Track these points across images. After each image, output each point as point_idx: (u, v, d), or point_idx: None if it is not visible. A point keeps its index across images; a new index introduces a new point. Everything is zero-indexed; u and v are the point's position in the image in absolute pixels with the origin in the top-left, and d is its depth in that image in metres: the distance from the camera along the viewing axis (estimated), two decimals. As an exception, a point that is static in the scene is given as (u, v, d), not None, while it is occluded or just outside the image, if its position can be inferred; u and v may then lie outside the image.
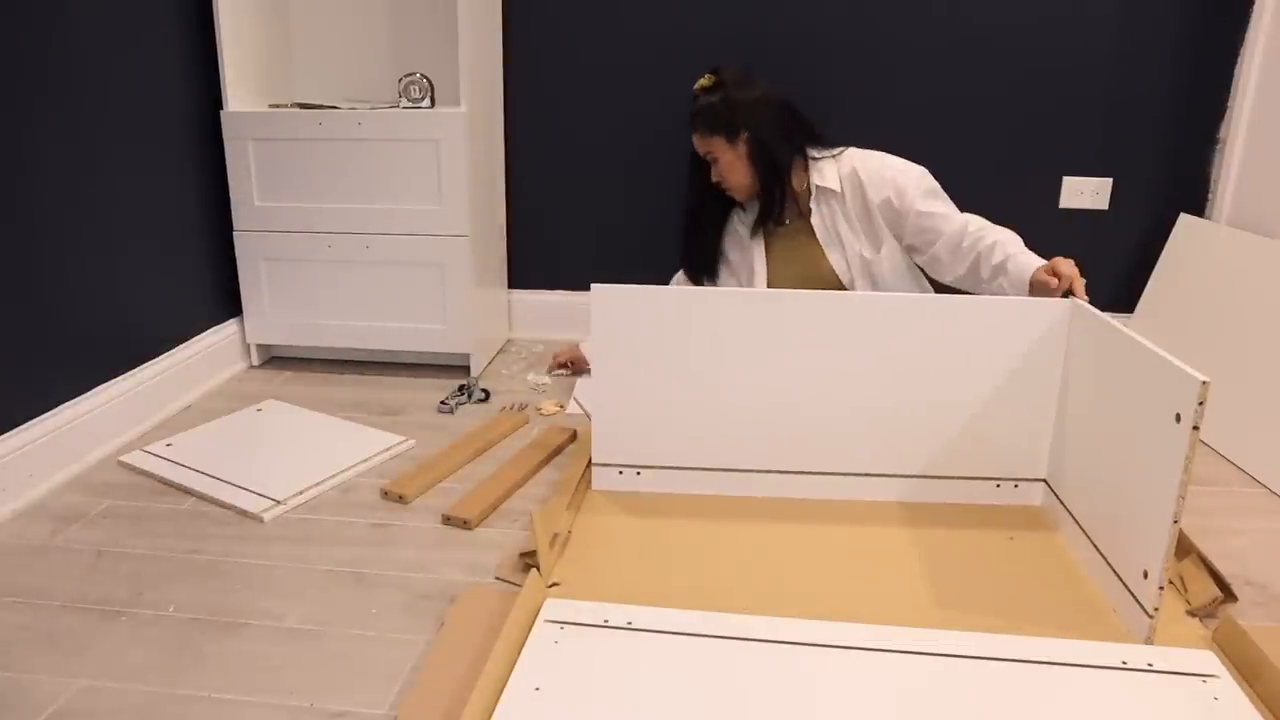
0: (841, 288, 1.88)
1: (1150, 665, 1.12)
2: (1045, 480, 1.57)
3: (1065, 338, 1.48)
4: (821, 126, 1.92)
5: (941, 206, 1.79)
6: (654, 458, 1.60)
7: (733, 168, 1.87)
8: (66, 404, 1.69)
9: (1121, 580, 1.26)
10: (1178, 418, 1.12)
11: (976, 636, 1.18)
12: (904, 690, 1.08)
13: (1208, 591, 1.29)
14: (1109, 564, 1.30)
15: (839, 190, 1.85)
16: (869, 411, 1.55)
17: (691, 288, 2.02)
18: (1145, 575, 1.19)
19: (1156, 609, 1.17)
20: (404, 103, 2.10)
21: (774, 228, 1.94)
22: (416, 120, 2.07)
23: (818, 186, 1.87)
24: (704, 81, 1.87)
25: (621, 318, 1.53)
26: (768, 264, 1.95)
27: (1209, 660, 1.14)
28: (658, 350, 1.54)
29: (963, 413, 1.54)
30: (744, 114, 1.83)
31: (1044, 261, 1.56)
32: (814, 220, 1.88)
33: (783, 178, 1.86)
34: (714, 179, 1.90)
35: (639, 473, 1.61)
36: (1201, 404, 1.08)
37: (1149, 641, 1.18)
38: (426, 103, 2.09)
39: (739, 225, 2.02)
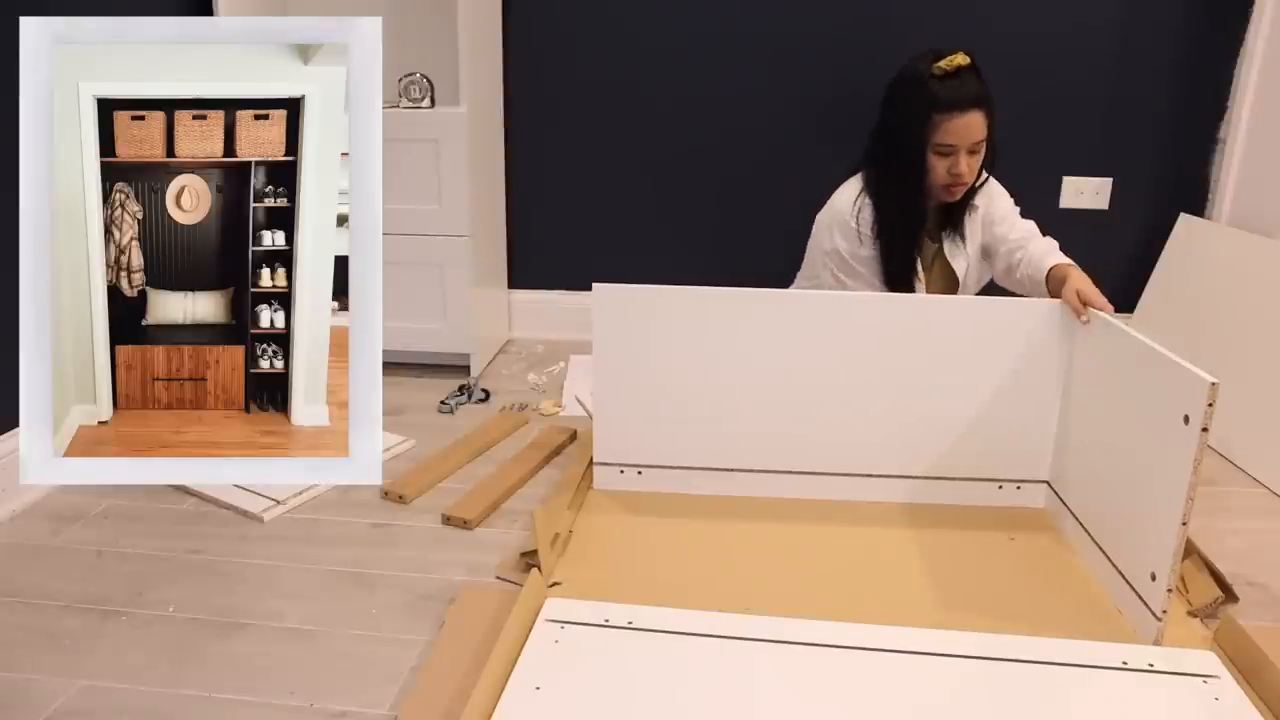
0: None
1: (1151, 665, 1.12)
2: (1048, 482, 1.56)
3: (1068, 339, 1.48)
4: None
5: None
6: (655, 457, 1.60)
7: (978, 160, 1.66)
8: (66, 404, 1.69)
9: (1128, 582, 1.26)
10: (1186, 419, 1.12)
11: (978, 636, 1.18)
12: (905, 690, 1.08)
13: (1208, 592, 1.29)
14: (1115, 566, 1.30)
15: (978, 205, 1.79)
16: (871, 412, 1.55)
17: (694, 288, 2.00)
18: (1153, 577, 1.18)
19: (1165, 611, 1.17)
20: (404, 103, 2.09)
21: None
22: (416, 120, 2.07)
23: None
24: (963, 60, 1.60)
25: (622, 317, 1.53)
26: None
27: (1210, 660, 1.14)
28: (659, 350, 1.54)
29: (965, 414, 1.54)
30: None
31: (1062, 258, 1.60)
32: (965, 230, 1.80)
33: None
34: (960, 170, 1.64)
35: (640, 472, 1.61)
36: (1211, 405, 1.08)
37: (1157, 643, 1.18)
38: (426, 103, 2.09)
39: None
